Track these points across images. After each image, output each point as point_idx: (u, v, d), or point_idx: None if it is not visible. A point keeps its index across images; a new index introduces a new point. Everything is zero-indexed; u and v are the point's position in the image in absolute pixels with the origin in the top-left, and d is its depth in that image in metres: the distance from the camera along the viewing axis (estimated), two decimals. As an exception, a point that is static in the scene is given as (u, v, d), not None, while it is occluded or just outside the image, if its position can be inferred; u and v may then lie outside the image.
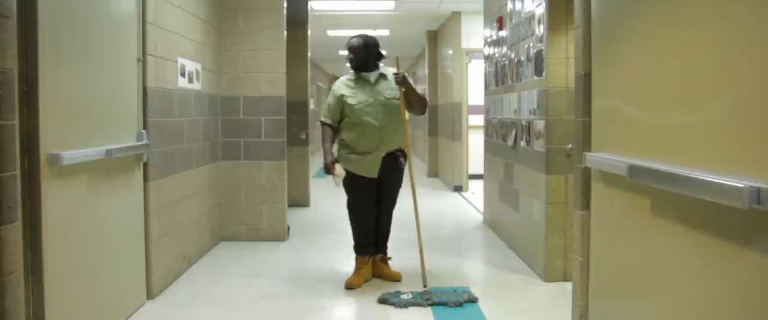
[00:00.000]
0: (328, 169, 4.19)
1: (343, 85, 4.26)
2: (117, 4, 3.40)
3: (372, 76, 4.23)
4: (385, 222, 4.37)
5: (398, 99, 4.17)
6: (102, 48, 3.20)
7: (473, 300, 3.80)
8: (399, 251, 5.30)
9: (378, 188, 4.25)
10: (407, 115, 4.24)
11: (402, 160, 4.23)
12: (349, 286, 4.12)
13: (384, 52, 4.34)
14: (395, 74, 4.15)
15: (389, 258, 4.41)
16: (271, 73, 5.50)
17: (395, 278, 4.28)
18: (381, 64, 4.32)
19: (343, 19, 9.83)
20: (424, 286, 4.09)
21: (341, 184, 4.21)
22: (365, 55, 4.21)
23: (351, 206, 4.30)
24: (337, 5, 8.69)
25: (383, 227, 4.37)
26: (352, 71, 4.30)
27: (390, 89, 4.20)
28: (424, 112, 4.38)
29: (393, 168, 4.22)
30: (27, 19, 2.53)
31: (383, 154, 4.17)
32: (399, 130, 4.20)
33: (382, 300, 3.81)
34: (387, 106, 4.16)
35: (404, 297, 3.84)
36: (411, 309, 3.71)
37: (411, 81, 4.29)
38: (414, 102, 4.22)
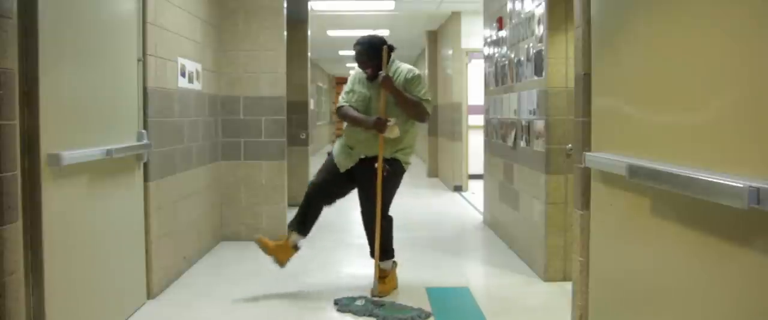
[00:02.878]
0: (381, 124, 3.86)
1: (359, 74, 4.16)
2: (117, 5, 3.40)
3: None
4: (367, 226, 4.07)
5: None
6: (102, 48, 3.20)
7: None
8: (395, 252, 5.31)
9: (352, 188, 4.11)
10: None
11: (382, 166, 3.91)
12: (276, 259, 4.04)
13: (389, 46, 4.02)
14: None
15: (384, 270, 4.05)
16: (271, 73, 5.50)
17: (381, 293, 3.95)
18: (393, 60, 4.07)
19: (343, 19, 9.83)
20: (374, 295, 3.90)
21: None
22: (365, 60, 4.01)
23: (313, 182, 4.15)
24: (337, 5, 8.69)
25: (369, 231, 4.07)
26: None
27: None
28: (422, 119, 4.03)
29: (367, 171, 3.95)
30: (27, 19, 2.53)
31: (361, 156, 3.99)
32: (378, 137, 3.91)
33: (340, 308, 3.69)
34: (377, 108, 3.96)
35: (359, 303, 3.72)
36: (411, 309, 3.72)
37: (410, 81, 3.99)
38: (403, 107, 3.93)
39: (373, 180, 3.93)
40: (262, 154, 5.53)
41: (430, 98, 4.03)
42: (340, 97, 4.18)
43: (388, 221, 4.06)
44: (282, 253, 4.05)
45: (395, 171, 3.99)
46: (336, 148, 4.12)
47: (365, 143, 3.97)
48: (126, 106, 3.52)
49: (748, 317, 1.66)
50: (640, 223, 2.27)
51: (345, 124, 4.11)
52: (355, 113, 4.00)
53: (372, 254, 4.06)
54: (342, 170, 4.01)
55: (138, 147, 3.55)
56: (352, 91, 4.11)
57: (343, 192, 4.13)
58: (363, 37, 4.08)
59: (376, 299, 3.84)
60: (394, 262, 4.13)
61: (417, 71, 4.06)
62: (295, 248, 4.09)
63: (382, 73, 3.93)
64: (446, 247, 5.42)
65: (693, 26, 1.93)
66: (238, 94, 5.49)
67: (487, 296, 3.97)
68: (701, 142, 1.86)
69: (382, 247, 4.02)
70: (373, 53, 3.99)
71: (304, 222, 4.06)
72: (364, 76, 4.07)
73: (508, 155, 5.28)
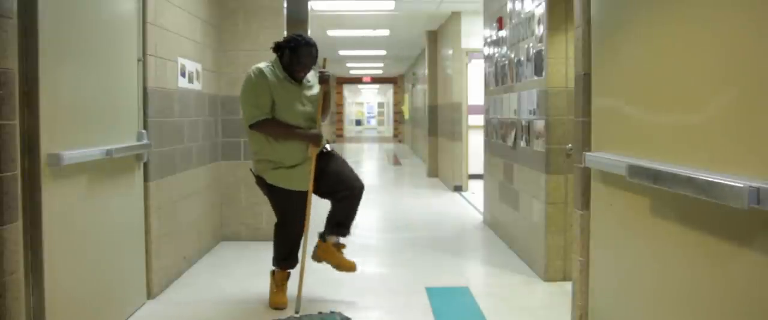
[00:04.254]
0: (317, 141, 3.64)
1: (267, 78, 3.59)
2: (117, 5, 3.40)
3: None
4: (340, 205, 3.78)
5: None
6: (102, 48, 3.20)
7: None
8: (395, 253, 5.31)
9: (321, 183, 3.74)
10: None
11: (327, 147, 3.79)
12: (278, 307, 3.68)
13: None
14: (321, 72, 3.69)
15: (343, 246, 3.91)
16: (271, 73, 5.49)
17: (348, 267, 3.80)
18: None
19: (343, 19, 9.83)
20: (296, 312, 3.58)
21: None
22: (314, 62, 3.71)
23: (282, 224, 3.76)
24: (337, 5, 8.69)
25: (349, 206, 3.78)
26: (280, 67, 3.65)
27: (313, 92, 3.75)
28: (327, 117, 3.87)
29: (321, 158, 3.71)
30: (27, 19, 2.53)
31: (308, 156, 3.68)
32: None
33: None
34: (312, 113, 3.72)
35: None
36: (411, 309, 3.71)
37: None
38: (326, 107, 3.77)
39: (330, 162, 3.73)
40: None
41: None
42: (249, 111, 3.57)
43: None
44: (286, 290, 3.80)
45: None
46: (277, 178, 3.63)
47: (305, 148, 3.67)
48: (126, 106, 3.52)
49: (748, 317, 1.66)
50: (640, 223, 2.27)
51: (257, 141, 3.64)
52: (288, 126, 3.59)
53: (338, 233, 3.84)
54: (306, 188, 3.65)
55: (138, 147, 3.55)
56: (268, 99, 3.55)
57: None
58: (309, 37, 3.68)
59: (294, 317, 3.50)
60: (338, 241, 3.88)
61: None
62: (339, 248, 3.88)
63: (315, 73, 3.75)
64: (446, 247, 5.41)
65: (693, 26, 1.93)
66: (238, 94, 5.46)
67: (487, 296, 3.97)
68: (701, 142, 1.86)
69: (350, 221, 3.84)
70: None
71: (293, 258, 3.83)
72: (274, 79, 3.57)
73: (508, 155, 5.28)
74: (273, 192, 3.70)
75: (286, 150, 3.62)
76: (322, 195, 3.82)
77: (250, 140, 3.72)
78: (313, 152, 3.68)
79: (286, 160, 3.63)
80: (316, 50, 3.66)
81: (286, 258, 3.83)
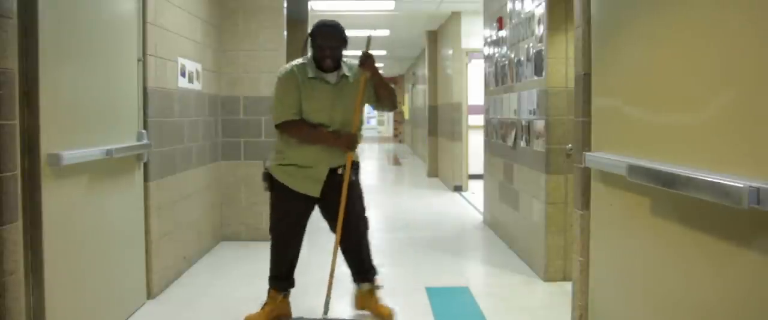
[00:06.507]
0: (350, 144, 3.32)
1: (295, 73, 3.32)
2: (117, 4, 3.40)
3: (331, 77, 3.35)
4: (357, 245, 3.51)
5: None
6: (102, 48, 3.20)
7: None
8: (395, 253, 5.31)
9: (325, 209, 3.47)
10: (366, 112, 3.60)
11: (353, 172, 3.43)
12: None
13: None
14: (363, 53, 3.28)
15: (378, 288, 3.60)
16: (271, 73, 5.49)
17: (385, 315, 3.48)
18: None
19: (343, 19, 9.73)
20: (325, 313, 3.40)
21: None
22: (342, 47, 3.36)
23: (274, 230, 3.41)
24: (337, 5, 8.70)
25: (358, 250, 3.53)
26: (313, 64, 3.34)
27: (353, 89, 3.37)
28: (395, 106, 3.49)
29: (336, 183, 3.36)
30: (27, 19, 2.53)
31: (331, 166, 3.37)
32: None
33: None
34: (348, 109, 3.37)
35: None
36: (411, 309, 3.72)
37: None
38: (383, 92, 3.37)
39: (338, 194, 3.36)
40: (263, 153, 5.53)
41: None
42: (276, 111, 3.30)
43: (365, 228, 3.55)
44: (272, 313, 3.45)
45: (358, 173, 3.50)
46: (283, 175, 3.34)
47: (330, 154, 3.34)
48: (126, 106, 3.52)
49: (748, 317, 1.66)
50: (640, 223, 2.27)
51: (283, 141, 3.35)
52: (312, 128, 3.28)
53: (363, 279, 3.57)
54: (317, 195, 3.35)
55: (138, 147, 3.55)
56: (295, 99, 3.26)
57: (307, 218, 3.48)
58: (330, 19, 3.32)
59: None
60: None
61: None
62: (372, 292, 3.58)
63: (354, 62, 3.37)
64: (446, 247, 5.41)
65: (693, 26, 1.93)
66: (238, 94, 5.49)
67: (487, 296, 3.97)
68: (701, 142, 1.86)
69: (369, 261, 3.58)
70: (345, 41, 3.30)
71: (288, 277, 3.51)
72: (304, 78, 3.26)
73: (508, 155, 5.28)
74: (276, 191, 3.38)
75: (309, 151, 3.30)
76: (325, 218, 3.53)
77: (277, 137, 3.41)
78: (348, 157, 3.33)
79: (305, 161, 3.32)
80: (340, 30, 3.28)
81: (276, 275, 3.44)
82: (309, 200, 3.39)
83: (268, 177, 3.39)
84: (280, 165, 3.35)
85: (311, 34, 3.29)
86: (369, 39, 3.49)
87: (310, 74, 3.29)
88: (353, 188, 3.44)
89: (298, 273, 3.61)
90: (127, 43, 3.52)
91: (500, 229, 5.71)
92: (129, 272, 3.56)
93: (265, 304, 3.48)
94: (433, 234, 6.01)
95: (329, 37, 3.25)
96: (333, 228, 3.46)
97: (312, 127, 3.30)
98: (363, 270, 3.57)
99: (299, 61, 3.37)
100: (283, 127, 3.30)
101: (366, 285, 3.58)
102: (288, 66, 3.36)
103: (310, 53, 3.36)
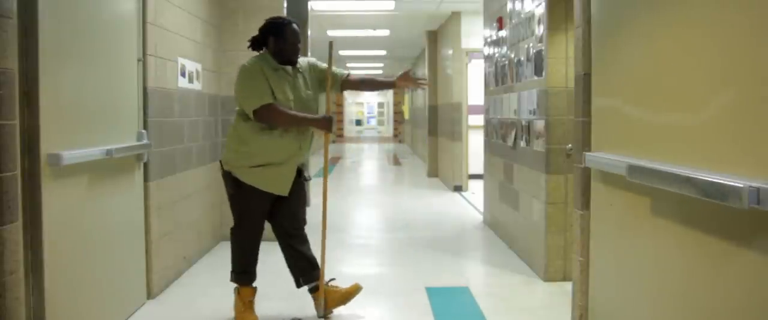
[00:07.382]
0: (329, 126, 3.43)
1: (261, 66, 3.38)
2: (117, 4, 3.41)
3: (289, 68, 3.44)
4: (305, 247, 3.58)
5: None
6: (102, 48, 3.21)
7: None
8: (395, 253, 5.31)
9: (279, 206, 3.49)
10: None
11: (306, 174, 3.60)
12: None
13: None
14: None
15: (333, 279, 3.64)
16: (271, 73, 5.50)
17: (355, 291, 3.56)
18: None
19: (343, 19, 9.83)
20: (320, 316, 3.50)
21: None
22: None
23: (239, 227, 3.46)
24: (337, 5, 8.69)
25: (307, 253, 3.57)
26: (270, 58, 3.40)
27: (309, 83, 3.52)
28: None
29: (295, 182, 3.48)
30: (27, 19, 2.53)
31: (298, 164, 3.47)
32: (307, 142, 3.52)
33: None
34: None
35: None
36: (411, 309, 3.72)
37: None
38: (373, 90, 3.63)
39: (300, 190, 3.52)
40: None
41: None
42: (249, 99, 3.29)
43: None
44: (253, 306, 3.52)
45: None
46: (250, 177, 3.34)
47: (301, 150, 3.45)
48: (126, 106, 3.52)
49: (748, 317, 1.66)
50: (640, 223, 2.27)
51: (246, 135, 3.35)
52: (298, 112, 3.36)
53: (306, 281, 3.55)
54: (286, 193, 3.43)
55: (138, 147, 3.55)
56: (267, 86, 3.31)
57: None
58: (285, 16, 3.46)
59: None
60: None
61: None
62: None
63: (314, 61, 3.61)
64: (446, 247, 5.41)
65: (693, 26, 1.93)
66: (238, 94, 5.48)
67: (487, 296, 3.97)
68: (701, 142, 1.87)
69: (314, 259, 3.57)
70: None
71: (253, 270, 3.54)
72: (269, 69, 3.35)
73: (508, 155, 5.28)
74: (240, 191, 3.37)
75: (278, 145, 3.34)
76: (270, 220, 3.54)
77: (234, 132, 3.40)
78: (325, 139, 3.53)
79: (275, 157, 3.34)
80: (299, 26, 3.50)
81: (245, 270, 3.50)
82: (272, 196, 3.43)
83: (231, 179, 3.38)
84: (246, 166, 3.35)
85: (280, 30, 3.39)
86: (331, 44, 3.67)
87: (274, 66, 3.39)
88: (302, 186, 3.60)
89: (286, 274, 3.61)
90: (127, 43, 3.52)
91: (500, 229, 5.71)
92: (129, 272, 3.56)
93: (247, 303, 3.48)
94: (433, 234, 6.01)
95: (297, 33, 3.44)
96: (282, 223, 3.51)
97: (290, 110, 3.35)
98: (310, 266, 3.55)
99: (259, 55, 3.45)
100: (262, 112, 3.28)
101: (329, 282, 3.60)
102: (252, 59, 3.42)
103: (269, 48, 3.42)
